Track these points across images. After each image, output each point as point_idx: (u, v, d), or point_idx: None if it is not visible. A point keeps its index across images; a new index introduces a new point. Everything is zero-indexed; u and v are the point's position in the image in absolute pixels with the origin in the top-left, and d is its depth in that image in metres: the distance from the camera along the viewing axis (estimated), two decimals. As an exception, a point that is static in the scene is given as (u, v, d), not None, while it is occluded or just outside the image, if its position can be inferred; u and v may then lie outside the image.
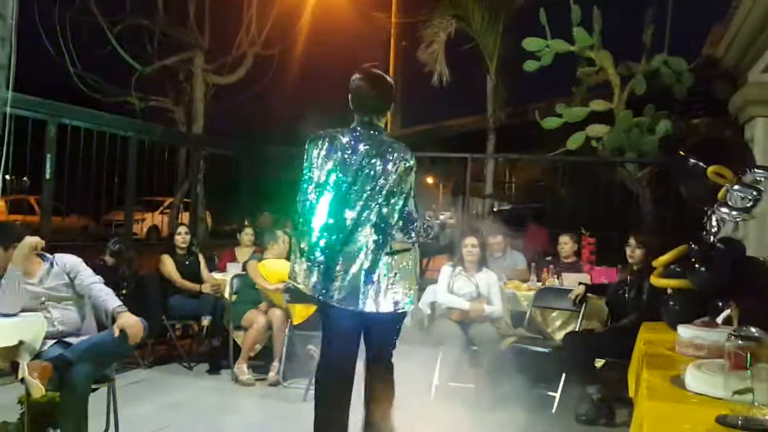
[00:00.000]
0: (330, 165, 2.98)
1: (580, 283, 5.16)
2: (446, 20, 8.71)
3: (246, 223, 7.36)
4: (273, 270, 5.42)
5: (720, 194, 2.71)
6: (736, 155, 2.88)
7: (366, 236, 2.94)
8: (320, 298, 2.95)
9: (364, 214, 2.95)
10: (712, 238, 2.83)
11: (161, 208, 13.75)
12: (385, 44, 11.30)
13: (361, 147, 3.00)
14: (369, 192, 2.95)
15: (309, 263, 2.97)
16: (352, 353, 3.06)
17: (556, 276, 5.72)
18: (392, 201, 2.98)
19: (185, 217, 8.49)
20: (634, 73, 7.54)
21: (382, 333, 3.11)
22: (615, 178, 7.55)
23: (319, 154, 3.01)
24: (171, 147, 7.55)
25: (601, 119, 7.62)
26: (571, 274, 5.60)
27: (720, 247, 2.75)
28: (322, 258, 2.94)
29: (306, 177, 3.03)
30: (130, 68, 8.29)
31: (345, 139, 3.02)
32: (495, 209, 8.91)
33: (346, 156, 2.98)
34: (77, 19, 7.73)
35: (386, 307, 2.95)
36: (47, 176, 5.26)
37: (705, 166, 2.75)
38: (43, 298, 3.46)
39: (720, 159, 2.74)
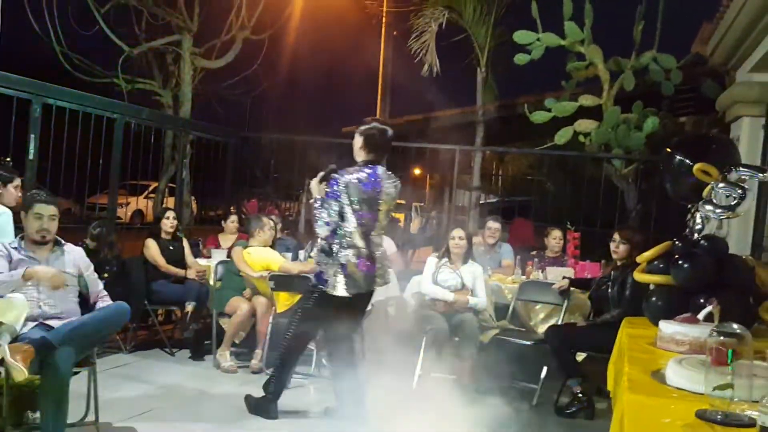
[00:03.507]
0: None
1: (564, 277, 5.21)
2: (438, 10, 8.65)
3: (232, 209, 7.31)
4: (258, 257, 5.39)
5: (705, 192, 2.72)
6: (722, 153, 2.90)
7: None
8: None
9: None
10: (695, 235, 2.85)
11: (146, 193, 13.62)
12: (376, 32, 11.23)
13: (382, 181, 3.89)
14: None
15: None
16: None
17: (540, 270, 5.76)
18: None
19: (170, 201, 8.41)
20: (624, 68, 7.56)
21: None
22: (601, 174, 7.58)
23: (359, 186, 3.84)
24: (157, 131, 7.46)
25: (590, 114, 7.64)
26: (556, 268, 5.63)
27: (703, 245, 2.76)
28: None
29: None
30: (116, 49, 8.17)
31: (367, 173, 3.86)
32: (481, 202, 8.90)
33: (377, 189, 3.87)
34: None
35: None
36: (30, 157, 5.18)
37: (691, 164, 2.76)
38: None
39: (706, 156, 2.76)
